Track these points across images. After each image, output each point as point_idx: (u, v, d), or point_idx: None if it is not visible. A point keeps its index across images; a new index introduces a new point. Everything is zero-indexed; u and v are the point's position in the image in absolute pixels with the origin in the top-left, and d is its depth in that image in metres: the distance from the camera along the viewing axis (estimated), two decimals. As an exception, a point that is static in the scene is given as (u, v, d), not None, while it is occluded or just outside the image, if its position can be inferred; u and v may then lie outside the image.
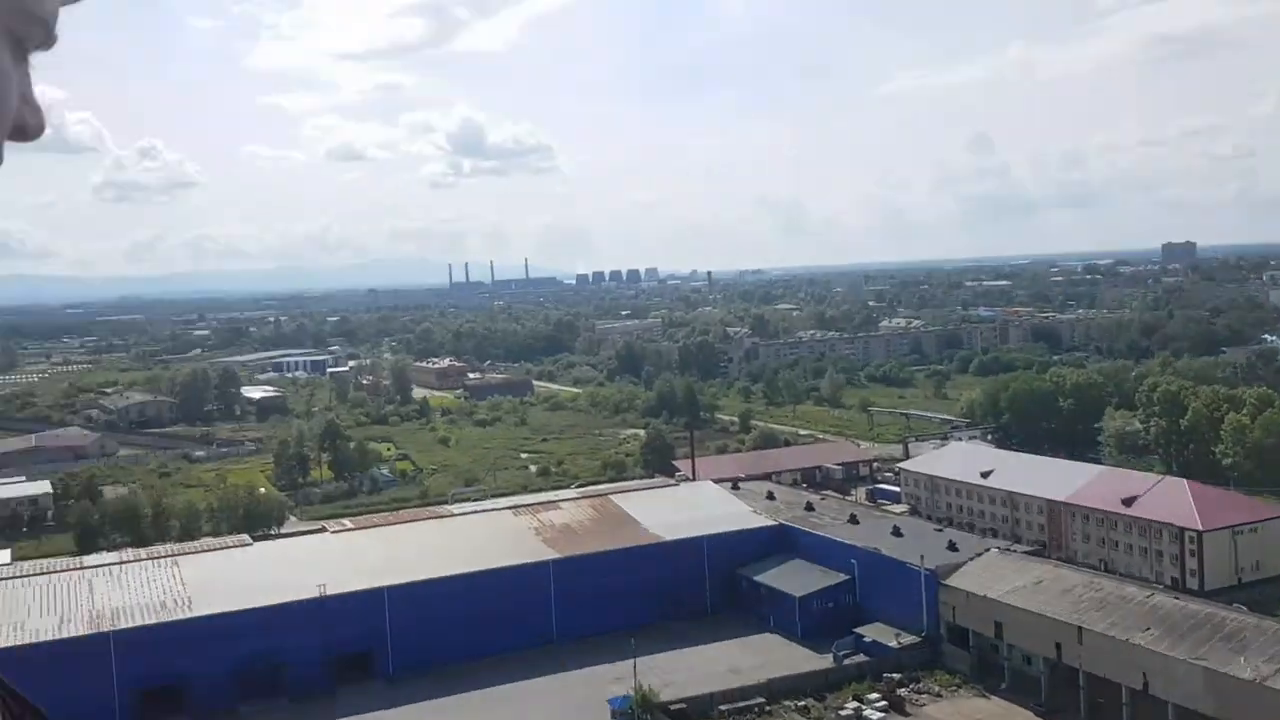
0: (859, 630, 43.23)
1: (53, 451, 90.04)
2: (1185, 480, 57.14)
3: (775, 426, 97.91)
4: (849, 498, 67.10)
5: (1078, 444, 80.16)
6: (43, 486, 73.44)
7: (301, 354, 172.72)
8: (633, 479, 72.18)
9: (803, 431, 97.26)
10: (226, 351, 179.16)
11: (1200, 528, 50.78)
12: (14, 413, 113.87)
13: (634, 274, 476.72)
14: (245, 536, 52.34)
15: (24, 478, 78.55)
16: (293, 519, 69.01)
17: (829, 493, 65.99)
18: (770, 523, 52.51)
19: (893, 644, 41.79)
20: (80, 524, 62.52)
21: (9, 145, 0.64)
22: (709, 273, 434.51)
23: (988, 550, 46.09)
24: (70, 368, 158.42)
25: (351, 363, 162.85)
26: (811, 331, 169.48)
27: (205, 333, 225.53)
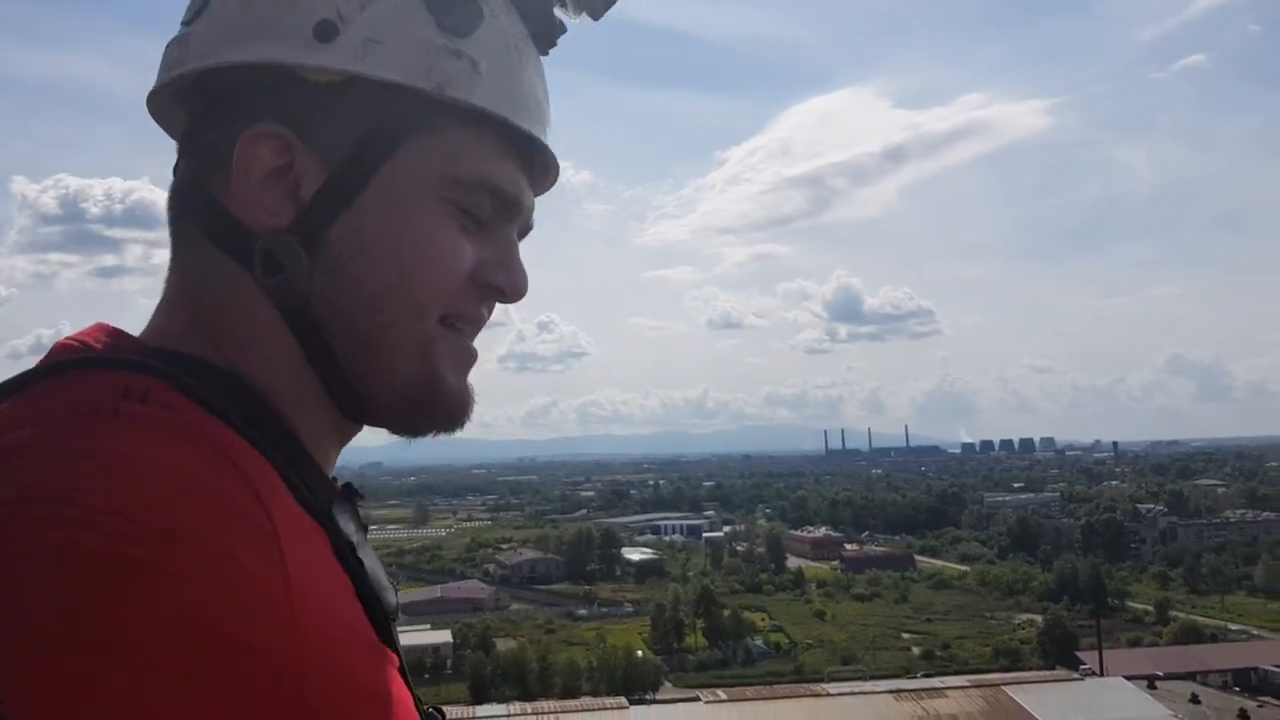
0: None
1: (454, 603, 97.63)
2: None
3: (1198, 619, 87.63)
4: (1296, 708, 58.06)
5: None
6: (445, 636, 79.35)
7: (679, 517, 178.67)
8: (1029, 669, 66.40)
9: (1233, 626, 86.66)
10: (609, 512, 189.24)
11: None
12: (424, 564, 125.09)
13: (1026, 443, 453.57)
14: (622, 699, 52.84)
15: (429, 626, 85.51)
16: (667, 684, 69.48)
17: (1268, 699, 57.80)
18: (1197, 732, 45.56)
19: None
20: (474, 674, 66.75)
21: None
22: (1114, 443, 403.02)
23: None
24: (473, 523, 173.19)
25: (726, 528, 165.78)
26: (1241, 511, 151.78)
27: (591, 494, 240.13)
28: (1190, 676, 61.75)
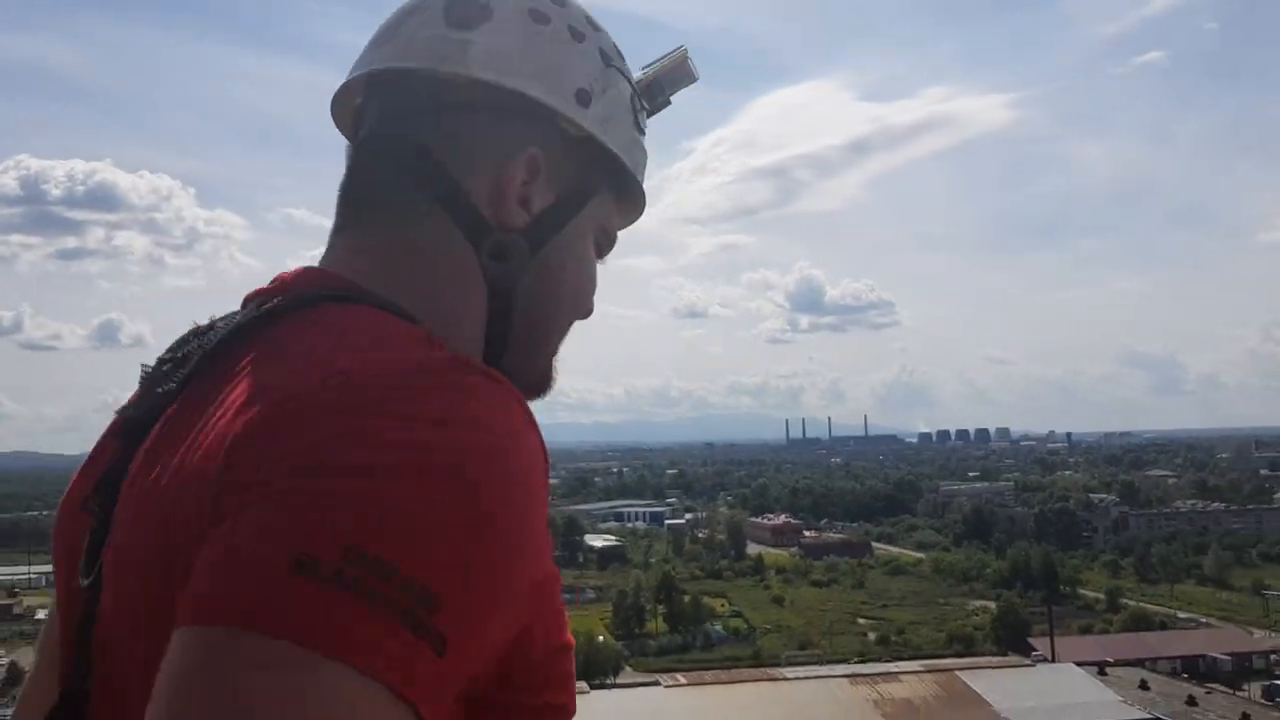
0: None
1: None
2: None
3: (1149, 607, 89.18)
4: (1240, 694, 59.13)
5: None
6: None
7: (642, 505, 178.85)
8: (982, 655, 67.34)
9: (1182, 614, 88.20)
10: (573, 499, 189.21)
11: None
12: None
13: (982, 433, 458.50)
14: (583, 684, 53.26)
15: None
16: (628, 669, 69.84)
17: (1215, 686, 58.78)
18: (1145, 716, 46.82)
19: None
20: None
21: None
22: (1068, 434, 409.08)
23: None
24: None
25: (688, 515, 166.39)
26: (1192, 502, 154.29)
27: (555, 481, 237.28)
28: (1140, 663, 62.39)
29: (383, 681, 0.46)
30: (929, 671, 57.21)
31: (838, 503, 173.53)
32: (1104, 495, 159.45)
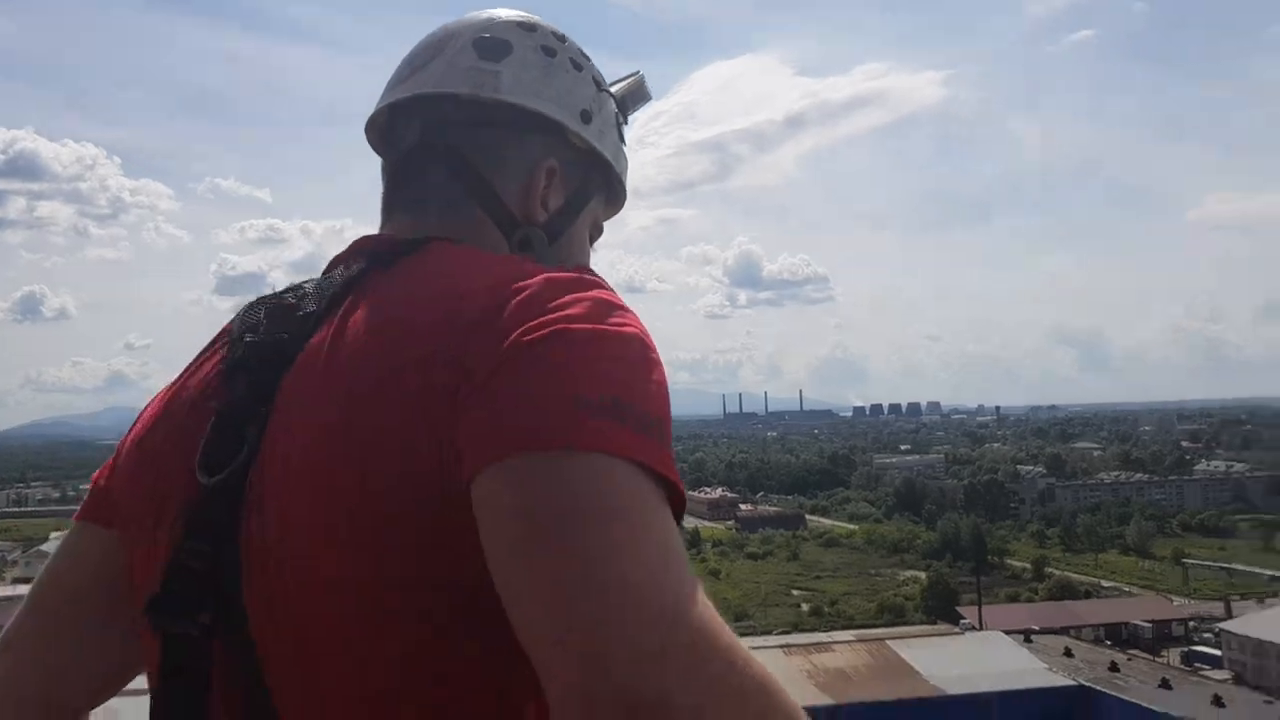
0: (1173, 815, 37.68)
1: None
2: None
3: (1073, 576, 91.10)
4: (1160, 659, 60.26)
5: None
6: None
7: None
8: (912, 624, 68.28)
9: (1105, 583, 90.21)
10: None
11: None
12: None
13: (914, 407, 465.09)
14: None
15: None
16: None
17: (1136, 653, 59.65)
18: (1068, 683, 47.33)
19: (1217, 836, 36.08)
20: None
21: None
22: (997, 408, 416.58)
23: (1335, 733, 39.41)
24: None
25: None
26: (1115, 473, 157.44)
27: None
28: (1064, 631, 61.89)
29: (643, 466, 0.63)
30: (860, 641, 57.73)
31: (773, 476, 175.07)
32: (1031, 467, 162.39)
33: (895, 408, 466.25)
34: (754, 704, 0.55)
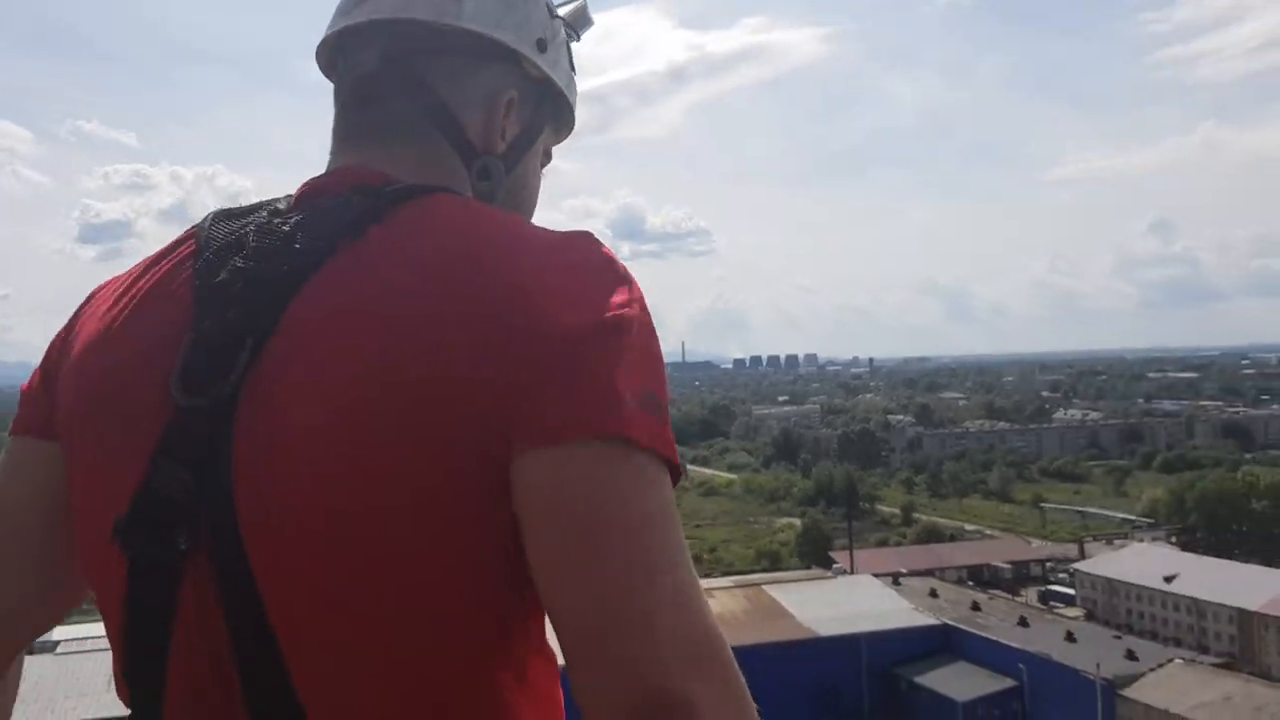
0: (1027, 743, 40.25)
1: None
2: (1396, 593, 51.89)
3: (939, 520, 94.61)
4: (1018, 598, 63.54)
5: (1273, 550, 74.13)
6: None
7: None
8: (788, 570, 70.43)
9: (969, 527, 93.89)
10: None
11: None
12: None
13: (792, 359, 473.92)
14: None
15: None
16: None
17: (996, 592, 62.70)
18: (933, 622, 49.95)
19: (1066, 760, 38.69)
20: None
21: None
22: (871, 359, 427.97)
23: (1171, 661, 42.49)
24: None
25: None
26: (980, 422, 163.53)
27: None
28: (930, 573, 63.35)
29: (671, 463, 0.69)
30: (738, 587, 59.48)
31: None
32: (901, 417, 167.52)
33: (774, 360, 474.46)
34: (749, 710, 0.64)
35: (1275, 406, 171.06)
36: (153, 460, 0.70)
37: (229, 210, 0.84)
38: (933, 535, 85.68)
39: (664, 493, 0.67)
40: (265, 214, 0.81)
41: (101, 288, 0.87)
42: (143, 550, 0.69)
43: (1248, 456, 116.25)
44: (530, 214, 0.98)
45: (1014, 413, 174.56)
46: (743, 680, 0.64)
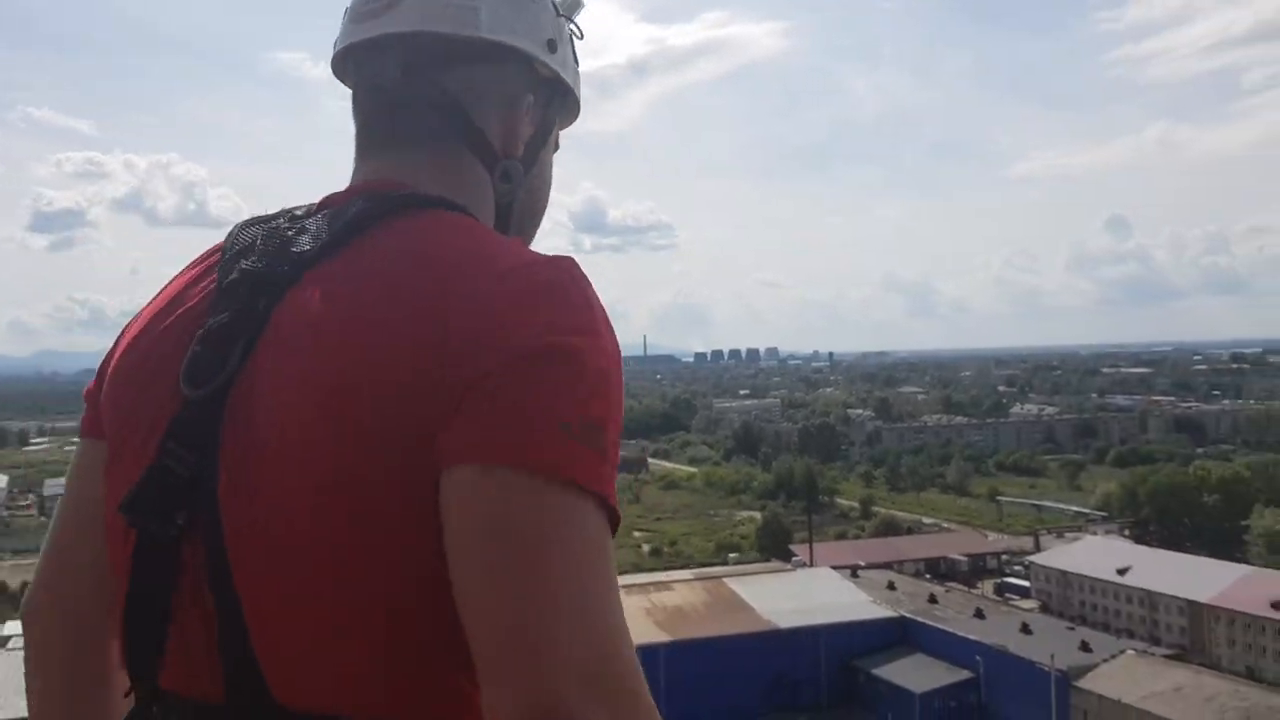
0: (983, 733, 40.72)
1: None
2: (1342, 585, 53.12)
3: (898, 514, 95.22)
4: (975, 591, 64.17)
5: (1222, 542, 75.61)
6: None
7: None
8: (748, 562, 70.64)
9: (927, 520, 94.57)
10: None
11: (1362, 638, 46.98)
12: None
13: (753, 353, 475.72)
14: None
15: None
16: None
17: (953, 585, 63.25)
18: (891, 614, 50.41)
19: (1020, 750, 39.21)
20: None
21: None
22: (831, 353, 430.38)
23: (1124, 652, 43.24)
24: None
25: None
26: (938, 416, 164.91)
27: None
28: (888, 565, 64.55)
29: (602, 498, 0.70)
30: (698, 580, 59.69)
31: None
32: (861, 411, 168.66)
33: (735, 353, 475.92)
34: None
35: (1226, 402, 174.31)
36: (161, 445, 0.77)
37: (255, 217, 0.90)
38: (891, 528, 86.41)
39: (587, 526, 0.68)
40: (282, 220, 0.87)
41: (157, 296, 0.94)
42: (145, 526, 0.77)
43: (1199, 451, 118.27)
44: (546, 203, 1.04)
45: (971, 407, 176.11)
46: (651, 711, 0.65)
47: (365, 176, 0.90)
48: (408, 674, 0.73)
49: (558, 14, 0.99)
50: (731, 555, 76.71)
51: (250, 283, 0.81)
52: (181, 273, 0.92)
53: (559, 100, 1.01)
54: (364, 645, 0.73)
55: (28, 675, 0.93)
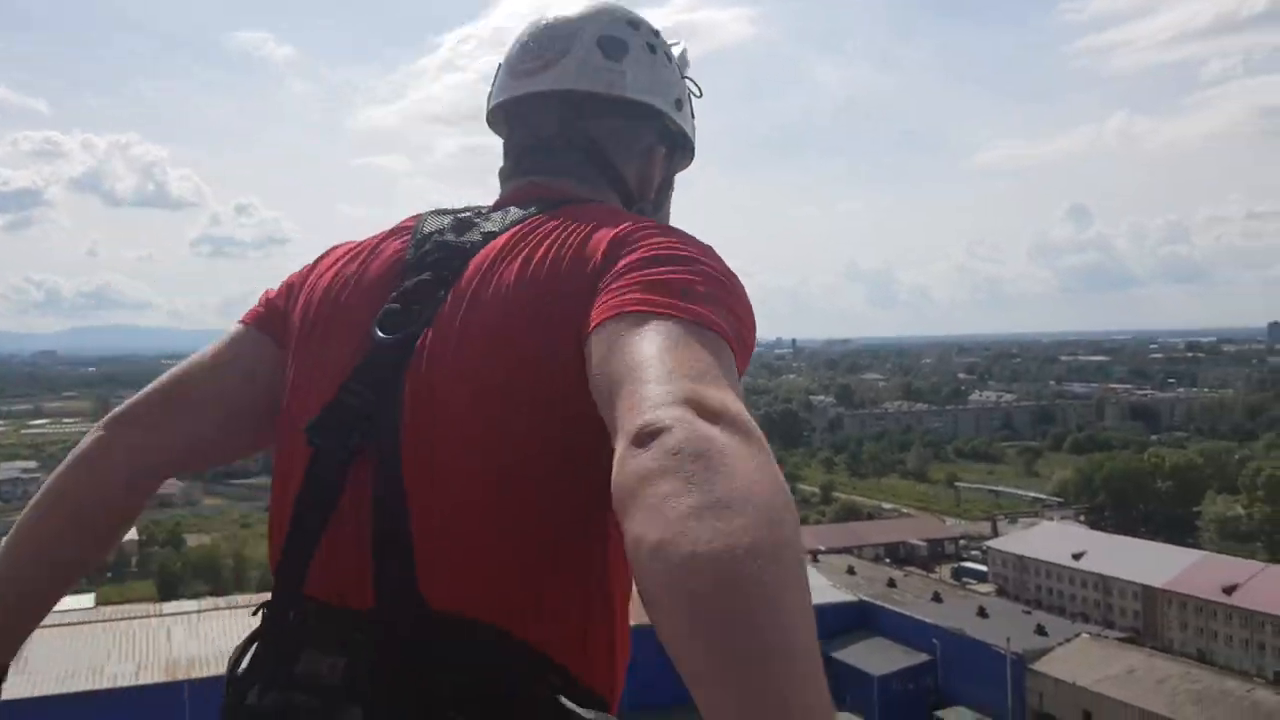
0: (940, 715, 41.57)
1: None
2: (1290, 570, 54.33)
3: (858, 499, 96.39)
4: (933, 575, 65.06)
5: (1176, 528, 77.26)
6: (128, 533, 74.92)
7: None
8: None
9: (887, 505, 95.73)
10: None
11: (1308, 621, 48.39)
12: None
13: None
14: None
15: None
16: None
17: (912, 569, 64.11)
18: (850, 598, 51.07)
19: (976, 730, 40.07)
20: (163, 571, 63.87)
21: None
22: (794, 340, 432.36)
23: (1078, 635, 44.16)
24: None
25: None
26: (899, 403, 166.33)
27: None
28: (848, 550, 64.83)
29: (735, 342, 0.83)
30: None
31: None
32: (823, 397, 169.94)
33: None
34: (762, 449, 0.70)
35: (1181, 390, 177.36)
36: (343, 384, 0.92)
37: (444, 208, 1.08)
38: (851, 514, 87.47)
39: (706, 338, 0.78)
40: (468, 210, 1.06)
41: (342, 244, 1.10)
42: (324, 442, 0.90)
43: (1154, 438, 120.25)
44: None
45: (931, 394, 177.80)
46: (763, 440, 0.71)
47: (530, 183, 1.10)
48: (558, 583, 0.86)
49: (682, 77, 1.19)
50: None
51: (443, 252, 0.97)
52: (378, 236, 1.07)
53: (680, 151, 1.21)
54: (522, 552, 0.84)
55: (60, 472, 1.04)
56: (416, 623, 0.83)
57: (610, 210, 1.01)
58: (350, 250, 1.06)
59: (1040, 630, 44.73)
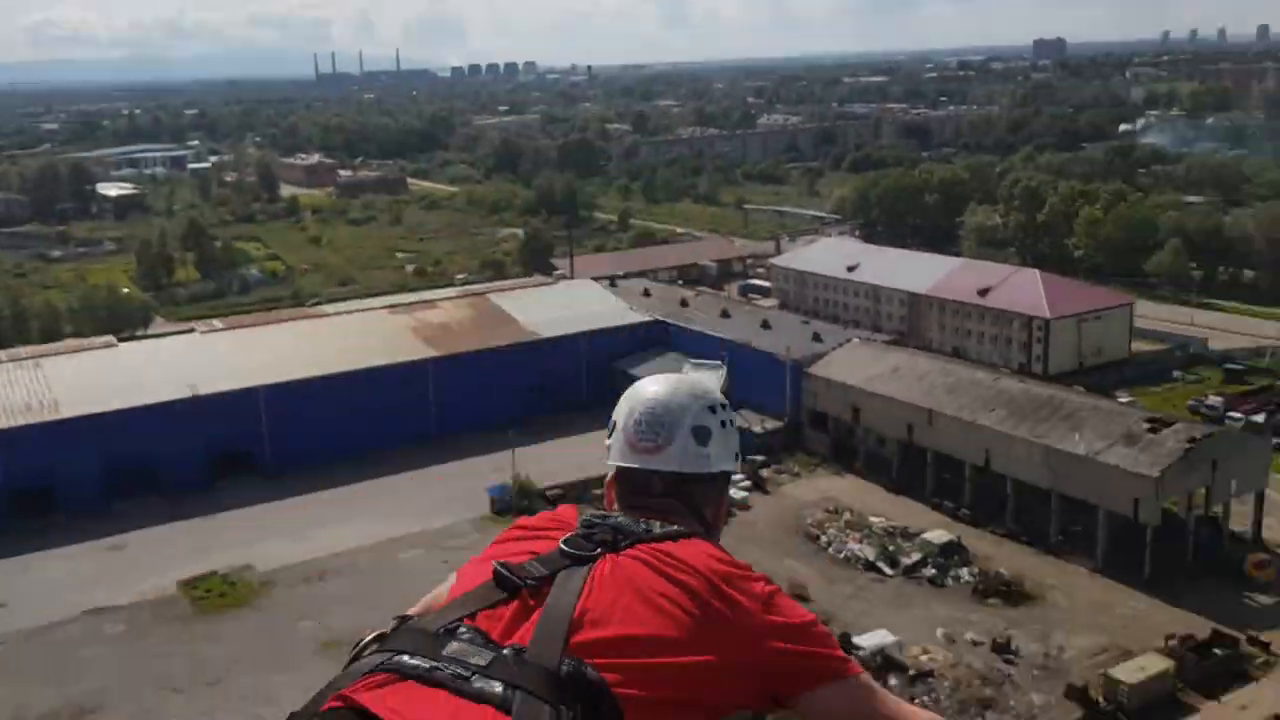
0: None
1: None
2: (1038, 271, 60.07)
3: (653, 225, 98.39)
4: (722, 293, 68.65)
5: (941, 239, 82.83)
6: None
7: (160, 149, 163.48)
8: (511, 278, 72.22)
9: (680, 230, 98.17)
10: (78, 146, 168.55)
11: (1048, 315, 54.12)
12: None
13: (511, 67, 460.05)
14: (110, 338, 51.17)
15: None
16: (159, 320, 67.57)
17: (703, 289, 67.39)
18: (646, 318, 53.71)
19: (757, 429, 44.00)
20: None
21: None
22: (589, 67, 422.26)
23: (850, 340, 48.19)
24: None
25: (213, 159, 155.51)
26: (691, 129, 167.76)
27: (54, 126, 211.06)
28: (644, 274, 69.10)
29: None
30: (463, 296, 61.01)
31: (372, 139, 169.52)
32: (619, 125, 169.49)
33: (493, 68, 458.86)
34: None
35: (952, 108, 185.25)
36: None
37: (587, 518, 1.61)
38: (647, 239, 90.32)
39: (876, 689, 1.52)
40: (618, 516, 1.63)
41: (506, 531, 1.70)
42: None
43: (925, 155, 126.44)
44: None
45: (722, 119, 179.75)
46: None
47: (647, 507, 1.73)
48: None
49: (732, 429, 1.83)
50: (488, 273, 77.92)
51: (609, 530, 1.56)
52: (520, 538, 1.63)
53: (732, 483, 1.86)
54: None
55: None
56: None
57: (717, 552, 1.55)
58: (513, 534, 1.70)
59: (816, 337, 48.71)
